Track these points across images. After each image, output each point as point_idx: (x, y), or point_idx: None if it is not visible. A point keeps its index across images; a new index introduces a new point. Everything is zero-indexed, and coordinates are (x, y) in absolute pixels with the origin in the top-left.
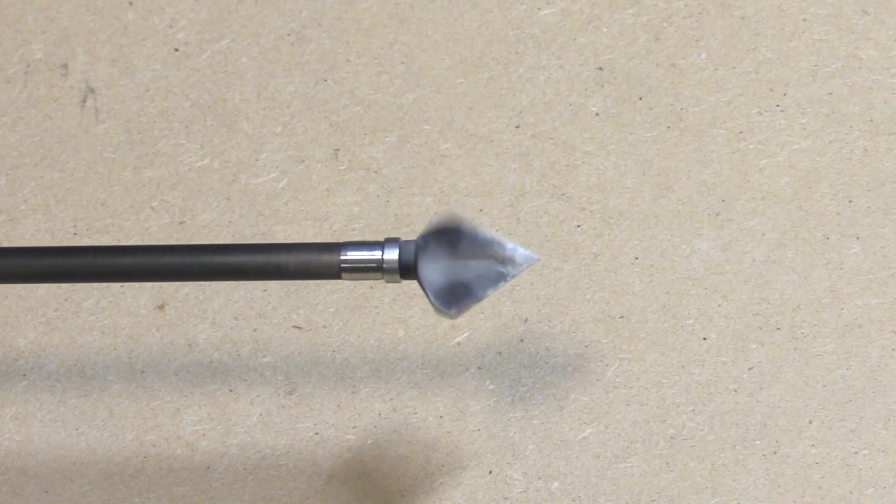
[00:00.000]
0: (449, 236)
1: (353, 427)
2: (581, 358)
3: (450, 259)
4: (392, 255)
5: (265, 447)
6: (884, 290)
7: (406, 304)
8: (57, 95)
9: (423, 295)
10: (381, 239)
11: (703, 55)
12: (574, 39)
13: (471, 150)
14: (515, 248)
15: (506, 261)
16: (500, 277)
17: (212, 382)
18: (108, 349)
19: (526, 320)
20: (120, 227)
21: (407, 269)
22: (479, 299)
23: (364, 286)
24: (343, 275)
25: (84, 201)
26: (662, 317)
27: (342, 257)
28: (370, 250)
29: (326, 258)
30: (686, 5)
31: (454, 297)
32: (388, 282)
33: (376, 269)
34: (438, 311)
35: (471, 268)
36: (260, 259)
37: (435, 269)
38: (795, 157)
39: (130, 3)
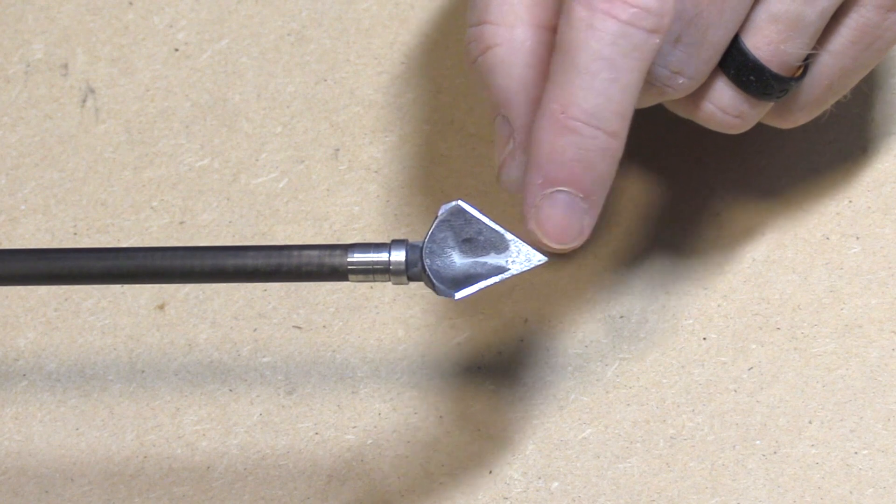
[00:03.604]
0: (457, 229)
1: (353, 427)
2: (581, 358)
3: (457, 256)
4: (399, 256)
5: (265, 447)
6: (884, 290)
7: (406, 304)
8: (57, 95)
9: (427, 296)
10: (386, 239)
11: None
12: None
13: (471, 150)
14: (521, 246)
15: (511, 256)
16: (505, 270)
17: (212, 382)
18: (108, 349)
19: (526, 320)
20: (120, 227)
21: (415, 272)
22: (482, 287)
23: (364, 286)
24: (350, 276)
25: (84, 201)
26: (662, 317)
27: (349, 259)
28: (377, 252)
29: (333, 260)
30: None
31: (457, 283)
32: (395, 283)
33: (383, 272)
34: (440, 293)
35: (478, 265)
36: (265, 261)
37: (440, 256)
38: (795, 157)
39: (130, 3)
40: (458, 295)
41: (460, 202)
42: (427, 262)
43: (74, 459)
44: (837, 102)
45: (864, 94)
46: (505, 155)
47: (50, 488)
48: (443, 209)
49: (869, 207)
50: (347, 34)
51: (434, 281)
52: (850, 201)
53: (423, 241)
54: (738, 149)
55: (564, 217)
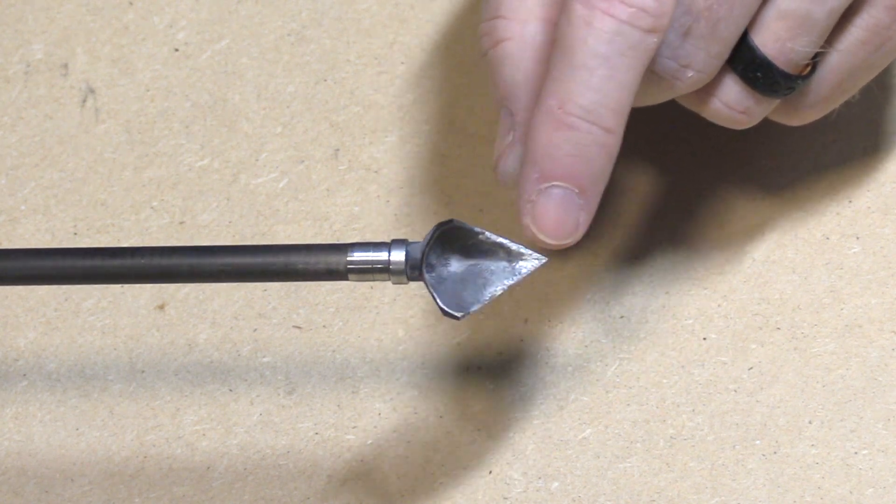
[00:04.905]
0: (455, 239)
1: (353, 427)
2: (581, 358)
3: (457, 261)
4: (399, 256)
5: (265, 447)
6: (884, 290)
7: (406, 304)
8: (57, 95)
9: (428, 296)
10: (387, 239)
11: None
12: None
13: (471, 150)
14: (522, 250)
15: (513, 263)
16: (507, 278)
17: (212, 382)
18: (108, 349)
19: (526, 320)
20: (120, 227)
21: (414, 271)
22: (486, 302)
23: (364, 286)
24: (350, 276)
25: (84, 201)
26: (662, 317)
27: (349, 258)
28: (377, 252)
29: (333, 259)
30: None
31: (461, 300)
32: (394, 283)
33: (383, 271)
34: (445, 314)
35: (478, 270)
36: (265, 261)
37: (442, 272)
38: (796, 157)
39: (130, 3)
40: (463, 316)
41: (454, 221)
42: (426, 273)
43: (74, 459)
44: (846, 102)
45: (862, 94)
46: (504, 146)
47: (50, 488)
48: (435, 226)
49: (869, 207)
50: (347, 34)
51: (438, 302)
52: (850, 201)
53: (423, 247)
54: (739, 149)
55: (560, 212)
